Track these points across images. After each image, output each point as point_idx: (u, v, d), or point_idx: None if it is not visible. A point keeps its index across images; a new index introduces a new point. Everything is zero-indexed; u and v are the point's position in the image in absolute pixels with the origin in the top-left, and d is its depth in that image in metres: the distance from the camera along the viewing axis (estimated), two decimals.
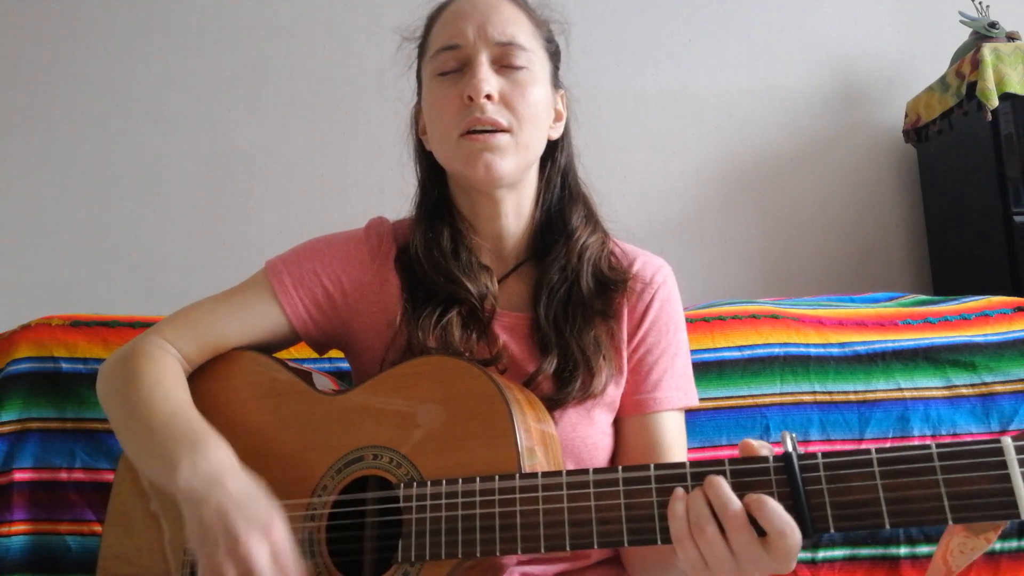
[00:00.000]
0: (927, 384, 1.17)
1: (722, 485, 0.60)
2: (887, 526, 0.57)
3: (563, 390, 0.82)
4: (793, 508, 0.59)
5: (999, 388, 1.17)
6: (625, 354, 0.88)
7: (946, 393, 1.17)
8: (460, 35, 0.84)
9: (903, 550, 1.10)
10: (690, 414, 0.93)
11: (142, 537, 0.82)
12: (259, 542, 0.65)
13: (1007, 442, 0.56)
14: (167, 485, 0.73)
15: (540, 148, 0.89)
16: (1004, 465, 0.55)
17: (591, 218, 0.93)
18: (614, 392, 0.86)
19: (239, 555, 0.64)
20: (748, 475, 0.61)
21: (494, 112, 0.82)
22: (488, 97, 0.81)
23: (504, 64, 0.84)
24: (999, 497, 0.55)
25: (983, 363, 1.18)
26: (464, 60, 0.84)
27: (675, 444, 0.86)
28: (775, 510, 0.58)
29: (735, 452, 0.66)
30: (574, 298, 0.87)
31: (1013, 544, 1.10)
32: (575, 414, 0.83)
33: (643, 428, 0.86)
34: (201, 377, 0.86)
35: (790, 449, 0.60)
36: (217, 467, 0.70)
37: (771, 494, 0.60)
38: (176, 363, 0.84)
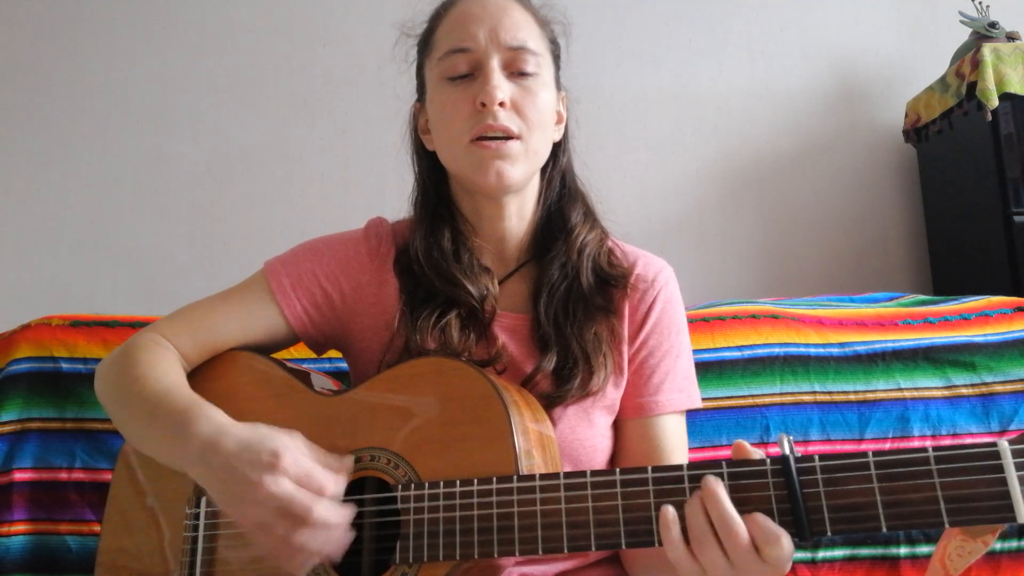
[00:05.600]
0: (927, 384, 1.17)
1: (722, 500, 0.59)
2: (884, 529, 0.57)
3: (562, 387, 0.81)
4: (790, 511, 0.59)
5: (999, 388, 1.17)
6: (626, 355, 0.87)
7: (946, 393, 1.17)
8: (471, 38, 0.83)
9: (903, 550, 1.10)
10: (690, 414, 0.93)
11: (140, 537, 0.81)
12: (272, 479, 0.65)
13: (1003, 445, 0.55)
14: (174, 462, 0.74)
15: (547, 153, 0.88)
16: (1000, 468, 0.55)
17: (590, 215, 0.93)
18: (613, 393, 0.86)
19: (261, 499, 0.64)
20: (745, 478, 0.61)
21: (506, 119, 0.81)
22: (501, 104, 0.81)
23: (515, 70, 0.83)
24: (995, 500, 0.55)
25: (983, 363, 1.18)
26: (475, 64, 0.83)
27: (677, 447, 0.86)
28: (766, 524, 0.58)
29: None
30: (574, 294, 0.86)
31: (1013, 544, 1.10)
32: (574, 415, 0.83)
33: (644, 431, 0.86)
34: (198, 378, 0.85)
35: (787, 452, 0.60)
36: (212, 429, 0.70)
37: (768, 497, 0.60)
38: (174, 354, 0.84)
